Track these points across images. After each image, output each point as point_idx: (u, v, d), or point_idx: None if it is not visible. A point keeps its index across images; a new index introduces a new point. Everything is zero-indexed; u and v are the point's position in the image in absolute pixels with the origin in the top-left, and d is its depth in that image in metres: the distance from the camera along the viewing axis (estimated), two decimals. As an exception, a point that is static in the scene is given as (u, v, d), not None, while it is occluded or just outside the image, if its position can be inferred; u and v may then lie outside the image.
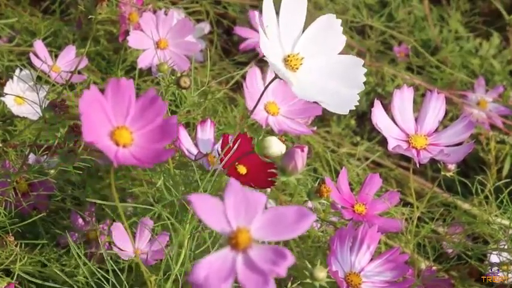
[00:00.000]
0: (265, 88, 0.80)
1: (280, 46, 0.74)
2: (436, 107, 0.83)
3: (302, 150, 0.73)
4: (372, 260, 0.84)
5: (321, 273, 0.75)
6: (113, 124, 0.60)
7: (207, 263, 0.53)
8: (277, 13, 0.73)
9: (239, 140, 0.84)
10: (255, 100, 0.93)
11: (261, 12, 0.71)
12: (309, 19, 0.77)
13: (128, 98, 0.60)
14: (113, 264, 0.78)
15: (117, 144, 0.59)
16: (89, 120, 0.57)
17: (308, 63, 0.75)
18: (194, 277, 0.52)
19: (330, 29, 0.76)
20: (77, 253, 0.83)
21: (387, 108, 0.82)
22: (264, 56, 0.71)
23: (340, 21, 0.77)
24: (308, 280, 0.74)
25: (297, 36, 0.75)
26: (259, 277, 0.52)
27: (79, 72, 1.10)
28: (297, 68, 0.74)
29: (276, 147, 0.73)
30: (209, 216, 0.54)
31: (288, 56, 0.74)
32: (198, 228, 0.78)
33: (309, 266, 0.76)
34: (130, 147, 0.60)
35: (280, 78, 0.72)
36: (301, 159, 0.74)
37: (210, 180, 0.79)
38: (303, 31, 0.76)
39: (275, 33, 0.73)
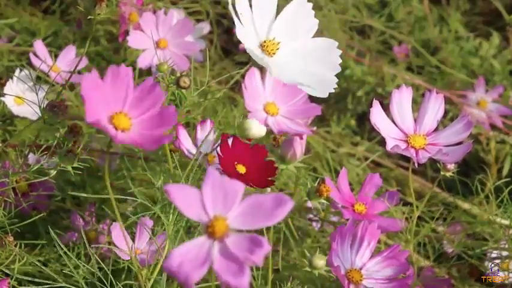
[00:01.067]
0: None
1: (256, 32, 0.75)
2: (435, 106, 0.83)
3: (301, 138, 0.73)
4: (372, 256, 0.85)
5: (320, 261, 0.75)
6: (112, 109, 0.61)
7: (182, 250, 0.53)
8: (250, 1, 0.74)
9: (238, 140, 0.84)
10: (255, 100, 0.93)
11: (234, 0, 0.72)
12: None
13: (126, 85, 0.61)
14: (111, 265, 0.78)
15: (116, 129, 0.60)
16: (91, 102, 0.58)
17: (284, 48, 0.76)
18: (168, 264, 0.52)
19: (302, 12, 0.77)
20: (77, 253, 0.83)
21: (387, 108, 0.82)
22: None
23: (311, 4, 0.77)
24: (307, 268, 0.73)
25: (271, 22, 0.76)
26: (235, 265, 0.52)
27: (79, 72, 1.10)
28: (274, 53, 0.75)
29: (256, 129, 0.73)
30: (186, 205, 0.54)
31: (264, 42, 0.75)
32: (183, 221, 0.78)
33: (308, 254, 0.76)
34: (129, 132, 0.61)
35: (259, 65, 0.73)
36: (300, 146, 0.75)
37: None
38: (276, 16, 0.76)
39: (249, 20, 0.73)
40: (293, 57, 0.76)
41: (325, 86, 0.73)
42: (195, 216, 0.54)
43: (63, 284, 0.82)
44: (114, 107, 0.61)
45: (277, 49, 0.76)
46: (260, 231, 0.83)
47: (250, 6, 0.74)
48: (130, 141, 0.60)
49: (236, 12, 0.72)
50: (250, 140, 0.74)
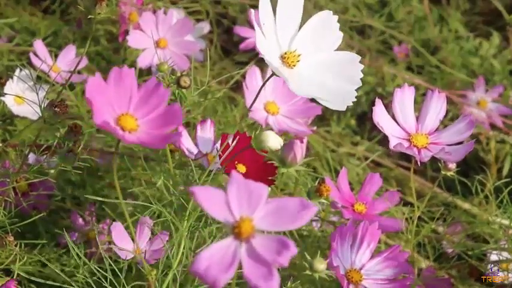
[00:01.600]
0: (263, 84, 0.79)
1: (277, 43, 0.74)
2: (437, 106, 0.83)
3: (301, 142, 0.73)
4: (372, 257, 0.85)
5: (321, 265, 0.75)
6: (116, 111, 0.61)
7: (208, 253, 0.53)
8: (274, 10, 0.73)
9: (238, 139, 0.84)
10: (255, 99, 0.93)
11: (257, 9, 0.71)
12: (308, 19, 0.77)
13: (129, 86, 0.61)
14: (112, 264, 0.78)
15: (124, 130, 0.61)
16: (97, 104, 0.58)
17: (305, 60, 0.75)
18: (195, 267, 0.52)
19: (327, 25, 0.76)
20: (77, 253, 0.83)
21: (387, 107, 0.82)
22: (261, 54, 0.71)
23: (336, 17, 0.77)
24: (308, 272, 0.73)
25: (294, 34, 0.75)
26: (264, 268, 0.52)
27: (79, 72, 1.10)
28: (294, 65, 0.75)
29: (273, 141, 0.73)
30: (212, 206, 0.54)
31: (285, 53, 0.74)
32: (196, 227, 0.78)
33: (309, 257, 0.76)
34: (136, 133, 0.61)
35: (278, 76, 0.72)
36: (300, 150, 0.74)
37: (208, 179, 0.79)
38: (300, 28, 0.76)
39: (272, 30, 0.73)
40: (314, 69, 0.75)
41: (344, 98, 0.73)
42: (221, 217, 0.54)
43: (63, 284, 0.82)
44: (120, 109, 0.61)
45: (298, 61, 0.75)
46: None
47: (274, 15, 0.73)
48: (138, 142, 0.60)
49: (258, 22, 0.71)
50: (266, 152, 0.74)
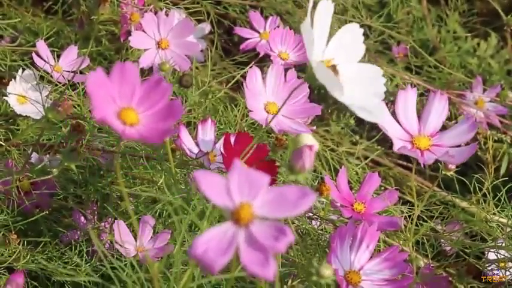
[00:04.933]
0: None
1: (319, 53, 0.74)
2: (439, 107, 0.84)
3: (310, 150, 0.74)
4: (371, 258, 0.85)
5: (327, 271, 0.76)
6: (119, 105, 0.62)
7: (207, 236, 0.53)
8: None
9: (239, 138, 0.85)
10: (256, 99, 0.94)
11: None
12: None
13: (132, 81, 0.62)
14: (114, 262, 0.79)
15: (124, 124, 0.61)
16: (97, 99, 0.59)
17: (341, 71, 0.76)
18: (193, 250, 0.52)
19: (353, 37, 0.77)
20: (80, 251, 0.84)
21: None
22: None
23: (362, 30, 0.78)
24: (314, 278, 0.74)
25: (324, 45, 0.76)
26: (261, 255, 0.52)
27: (81, 72, 1.11)
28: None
29: (310, 143, 0.74)
30: (213, 191, 0.55)
31: (322, 62, 0.75)
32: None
33: (315, 263, 0.77)
34: (137, 127, 0.62)
35: (317, 86, 0.73)
36: (309, 158, 0.75)
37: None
38: (328, 40, 0.76)
39: (317, 41, 0.73)
40: (344, 80, 0.76)
41: (378, 110, 0.73)
42: (220, 202, 0.55)
43: (66, 282, 0.83)
44: (122, 103, 0.62)
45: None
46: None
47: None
48: (137, 136, 0.61)
49: (309, 33, 0.71)
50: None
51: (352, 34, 0.77)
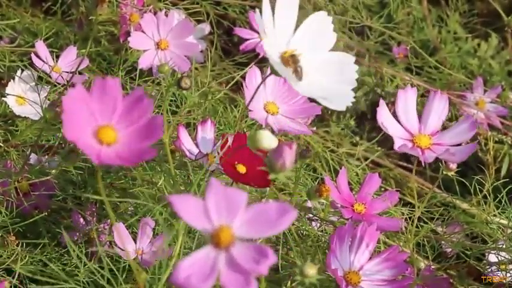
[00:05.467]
0: (262, 82, 0.79)
1: (277, 43, 0.74)
2: (439, 107, 0.84)
3: (290, 148, 0.73)
4: (371, 258, 0.85)
5: (311, 270, 0.75)
6: (98, 123, 0.59)
7: (188, 262, 0.53)
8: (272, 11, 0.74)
9: (237, 139, 0.85)
10: (255, 100, 0.94)
11: (260, 12, 0.72)
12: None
13: (114, 97, 0.60)
14: (112, 264, 0.79)
15: (101, 143, 0.59)
16: (72, 118, 0.57)
17: (303, 61, 0.75)
18: (175, 277, 0.51)
19: (321, 26, 0.77)
20: (77, 253, 0.83)
21: (387, 107, 0.82)
22: (266, 55, 0.71)
23: (331, 18, 0.77)
24: (298, 277, 0.73)
25: (291, 34, 0.76)
26: (242, 277, 0.52)
27: (80, 73, 1.10)
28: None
29: (267, 140, 0.73)
30: (190, 215, 0.54)
31: (285, 53, 0.75)
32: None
33: (299, 262, 0.76)
34: (114, 146, 0.59)
35: (280, 76, 0.72)
36: (289, 156, 0.74)
37: (207, 179, 0.79)
38: (296, 29, 0.76)
39: (271, 31, 0.73)
40: (311, 70, 0.75)
41: (343, 99, 0.73)
42: (199, 226, 0.54)
43: (65, 284, 0.83)
44: (101, 121, 0.59)
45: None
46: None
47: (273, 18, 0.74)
48: (114, 156, 0.58)
49: (262, 24, 0.71)
50: (264, 152, 0.74)
51: (320, 22, 0.77)
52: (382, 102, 0.80)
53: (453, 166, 0.90)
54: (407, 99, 0.82)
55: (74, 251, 0.79)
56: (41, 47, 1.11)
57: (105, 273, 0.75)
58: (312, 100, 0.94)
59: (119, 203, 1.07)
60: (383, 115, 0.80)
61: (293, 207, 0.54)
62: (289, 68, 0.73)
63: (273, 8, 0.73)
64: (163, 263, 0.70)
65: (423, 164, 0.79)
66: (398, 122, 0.82)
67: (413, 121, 0.83)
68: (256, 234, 0.55)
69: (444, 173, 0.90)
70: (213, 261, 0.53)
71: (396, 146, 0.78)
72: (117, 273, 0.77)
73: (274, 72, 0.72)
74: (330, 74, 0.76)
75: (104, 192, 0.62)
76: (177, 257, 0.71)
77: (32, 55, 1.10)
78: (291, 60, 0.73)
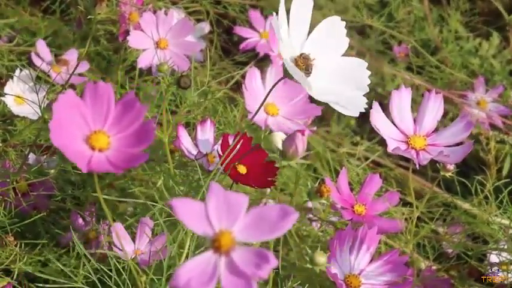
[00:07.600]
0: (269, 92, 0.79)
1: (291, 48, 0.74)
2: (434, 107, 0.83)
3: (303, 134, 0.73)
4: (371, 261, 0.84)
5: (322, 258, 0.75)
6: (90, 128, 0.59)
7: (189, 267, 0.52)
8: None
9: (240, 140, 0.84)
10: (255, 100, 0.93)
11: (276, 14, 0.71)
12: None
13: (106, 102, 0.59)
14: (113, 264, 0.78)
15: (93, 149, 0.58)
16: (60, 125, 0.56)
17: (316, 65, 0.75)
18: (175, 282, 0.51)
19: (334, 31, 0.76)
20: (77, 253, 0.83)
21: (387, 108, 0.82)
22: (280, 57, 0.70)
23: (344, 23, 0.77)
24: (308, 265, 0.73)
25: (304, 38, 0.75)
26: (242, 281, 0.51)
27: (79, 74, 1.10)
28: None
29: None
30: (191, 220, 0.53)
31: (292, 58, 0.74)
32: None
33: (309, 251, 0.76)
34: (106, 152, 0.59)
35: (293, 79, 0.72)
36: (301, 143, 0.74)
37: (207, 179, 0.79)
38: (308, 33, 0.75)
39: (286, 35, 0.73)
40: (324, 75, 0.75)
41: (356, 104, 0.72)
42: (200, 231, 0.54)
43: (63, 284, 0.82)
44: (93, 126, 0.59)
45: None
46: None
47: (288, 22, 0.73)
48: (105, 162, 0.58)
49: (277, 28, 0.71)
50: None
51: (334, 27, 0.76)
52: (375, 104, 0.79)
53: (450, 167, 0.90)
54: (401, 99, 0.82)
55: (83, 254, 0.78)
56: (41, 46, 1.10)
57: (112, 274, 0.75)
58: (319, 103, 0.93)
59: (118, 203, 1.07)
60: (376, 117, 0.79)
61: (294, 209, 0.54)
62: (301, 69, 0.73)
63: (287, 11, 0.73)
64: (164, 264, 0.69)
65: (417, 166, 0.78)
66: (393, 123, 0.81)
67: (408, 122, 0.82)
68: (257, 238, 0.54)
69: (442, 173, 0.90)
70: (214, 266, 0.52)
71: (390, 149, 0.77)
72: (122, 272, 0.77)
73: (287, 75, 0.72)
74: (343, 79, 0.75)
75: (100, 192, 0.61)
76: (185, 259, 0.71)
77: (32, 54, 1.09)
78: (301, 60, 0.73)
